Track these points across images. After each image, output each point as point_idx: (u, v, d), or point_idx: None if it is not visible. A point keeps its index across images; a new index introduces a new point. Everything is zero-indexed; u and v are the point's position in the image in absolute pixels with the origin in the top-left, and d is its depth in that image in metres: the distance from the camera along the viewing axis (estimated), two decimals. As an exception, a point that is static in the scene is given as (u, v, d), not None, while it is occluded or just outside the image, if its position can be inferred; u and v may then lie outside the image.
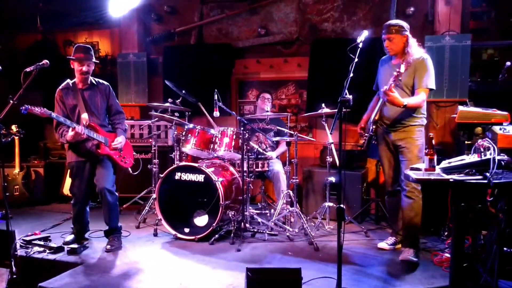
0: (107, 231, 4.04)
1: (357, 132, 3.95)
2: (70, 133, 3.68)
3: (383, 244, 3.93)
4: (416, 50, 3.53)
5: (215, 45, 6.10)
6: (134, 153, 4.36)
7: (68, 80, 3.98)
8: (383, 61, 3.84)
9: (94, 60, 3.95)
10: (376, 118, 3.65)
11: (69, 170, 5.67)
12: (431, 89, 3.51)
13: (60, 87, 3.95)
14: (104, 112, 4.04)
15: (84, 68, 3.84)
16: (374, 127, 3.69)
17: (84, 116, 3.84)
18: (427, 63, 3.50)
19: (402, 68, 3.27)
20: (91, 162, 3.95)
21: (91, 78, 3.98)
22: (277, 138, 4.73)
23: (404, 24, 3.55)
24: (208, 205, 4.11)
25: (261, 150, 4.66)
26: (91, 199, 4.30)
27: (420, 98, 3.46)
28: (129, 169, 4.31)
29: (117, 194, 4.00)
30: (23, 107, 3.40)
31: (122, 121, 4.14)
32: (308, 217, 4.64)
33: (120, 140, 3.97)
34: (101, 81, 4.08)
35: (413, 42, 3.55)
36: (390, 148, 3.71)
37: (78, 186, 3.99)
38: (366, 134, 3.76)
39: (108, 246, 3.89)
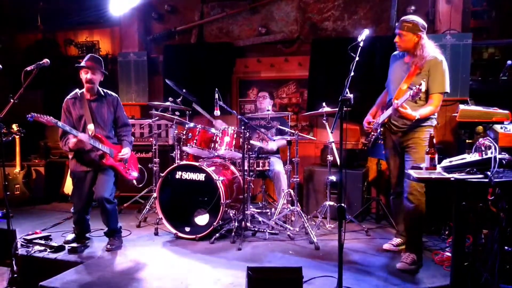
0: (107, 233, 4.03)
1: (364, 128, 3.84)
2: (73, 139, 3.67)
3: (388, 245, 3.89)
4: (429, 53, 3.37)
5: (216, 44, 6.10)
6: (135, 152, 4.35)
7: (77, 90, 3.97)
8: (395, 57, 3.68)
9: (102, 70, 3.92)
10: (385, 121, 3.57)
11: (69, 173, 5.73)
12: (446, 93, 3.40)
13: (68, 97, 3.94)
14: (110, 124, 4.02)
15: (89, 76, 3.82)
16: (382, 129, 3.63)
17: (90, 127, 3.84)
18: (442, 65, 3.37)
19: (423, 87, 3.12)
20: (94, 172, 3.93)
21: (100, 89, 3.97)
22: (278, 137, 4.73)
23: (420, 23, 3.38)
24: (209, 204, 4.11)
25: (262, 145, 4.66)
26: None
27: (434, 105, 3.34)
28: (134, 181, 4.30)
29: (115, 201, 3.95)
30: (29, 115, 3.40)
31: (128, 134, 4.14)
32: (309, 216, 4.64)
33: (126, 152, 3.98)
34: (109, 92, 4.07)
35: (428, 44, 3.40)
36: (396, 149, 3.63)
37: (79, 197, 3.97)
38: (373, 133, 3.71)
39: (109, 246, 3.90)
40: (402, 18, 3.45)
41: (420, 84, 3.11)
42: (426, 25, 3.42)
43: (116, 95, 4.10)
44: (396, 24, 3.47)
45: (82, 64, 3.86)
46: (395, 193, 3.80)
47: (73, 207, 4.05)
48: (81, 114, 3.88)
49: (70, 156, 3.98)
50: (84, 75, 3.85)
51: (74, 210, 4.03)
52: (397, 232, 3.98)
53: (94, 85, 3.89)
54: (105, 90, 4.04)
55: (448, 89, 3.39)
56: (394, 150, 3.66)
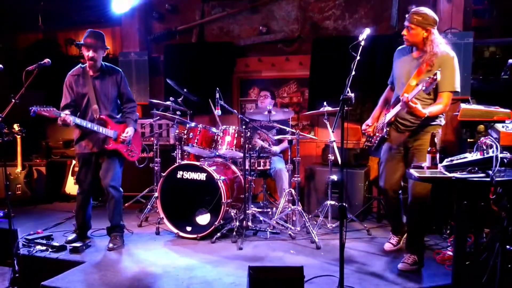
0: (110, 228, 4.05)
1: (361, 130, 3.70)
2: (60, 119, 3.64)
3: (388, 245, 3.87)
4: (440, 48, 3.17)
5: (217, 44, 6.10)
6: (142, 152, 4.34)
7: (80, 65, 3.95)
8: (401, 52, 3.48)
9: (104, 47, 3.90)
10: (392, 119, 3.38)
11: (71, 166, 5.75)
12: (456, 92, 3.23)
13: (71, 73, 3.92)
14: (114, 101, 4.00)
15: (91, 54, 3.80)
16: (388, 129, 3.44)
17: (95, 108, 3.84)
18: (454, 62, 3.18)
19: (439, 76, 2.87)
20: (99, 154, 3.94)
21: (103, 63, 3.95)
22: (279, 137, 4.73)
23: (431, 17, 3.16)
24: (210, 204, 4.11)
25: (265, 145, 4.68)
26: (93, 197, 4.29)
27: (443, 104, 3.17)
28: (136, 162, 4.31)
29: (121, 190, 4.01)
30: (32, 110, 3.38)
31: (133, 110, 4.10)
32: (310, 216, 4.64)
33: (129, 133, 3.95)
34: (113, 66, 4.04)
35: (439, 39, 3.19)
36: (400, 150, 3.45)
37: (85, 176, 3.98)
38: (378, 134, 3.56)
39: (111, 245, 3.90)
40: (412, 10, 3.24)
41: (435, 74, 2.88)
42: (437, 20, 3.22)
43: (120, 70, 4.06)
44: (406, 16, 3.27)
45: (83, 42, 3.83)
46: (391, 196, 3.64)
47: (79, 187, 4.05)
48: (85, 92, 3.86)
49: (75, 138, 3.96)
50: (86, 53, 3.82)
51: (80, 190, 4.03)
52: (393, 230, 3.94)
53: (96, 62, 3.86)
54: (108, 65, 4.01)
55: (458, 88, 3.22)
56: (397, 153, 3.47)
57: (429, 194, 3.32)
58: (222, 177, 4.16)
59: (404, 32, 3.28)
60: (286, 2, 5.78)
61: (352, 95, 2.76)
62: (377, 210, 4.99)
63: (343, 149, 2.86)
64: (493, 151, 2.46)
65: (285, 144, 4.97)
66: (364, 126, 3.71)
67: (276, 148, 4.95)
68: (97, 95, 3.87)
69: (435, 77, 2.89)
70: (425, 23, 3.16)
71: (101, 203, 5.43)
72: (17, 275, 3.27)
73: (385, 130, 3.46)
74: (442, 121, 3.35)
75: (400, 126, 3.41)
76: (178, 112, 4.91)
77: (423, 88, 2.95)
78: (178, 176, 4.25)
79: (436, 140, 2.89)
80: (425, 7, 3.29)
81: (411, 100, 3.04)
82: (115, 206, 3.96)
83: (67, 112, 3.68)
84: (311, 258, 3.67)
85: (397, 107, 3.26)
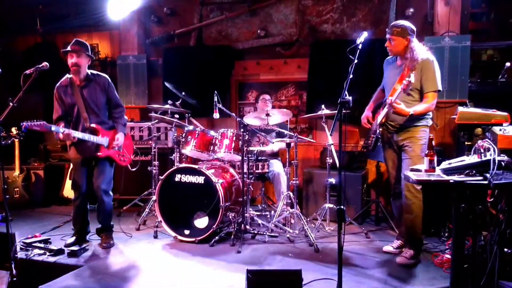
0: (100, 229, 4.13)
1: (362, 123, 3.88)
2: (61, 135, 3.72)
3: (388, 248, 3.89)
4: (419, 54, 3.47)
5: (215, 47, 6.11)
6: (135, 155, 4.36)
7: (67, 75, 3.96)
8: (388, 62, 3.82)
9: (88, 54, 3.92)
10: (383, 121, 3.63)
11: (69, 170, 5.76)
12: (439, 91, 3.50)
13: (58, 84, 3.94)
14: (104, 107, 4.02)
15: (74, 60, 3.83)
16: (380, 129, 3.68)
17: (85, 117, 3.86)
18: (433, 65, 3.47)
19: (412, 78, 3.25)
20: (91, 159, 4.00)
21: (88, 72, 3.96)
22: (278, 139, 4.73)
23: (409, 27, 3.50)
24: (208, 207, 4.10)
25: (261, 148, 4.70)
26: (90, 201, 4.29)
27: (429, 103, 3.45)
28: (128, 166, 4.36)
29: (111, 194, 4.09)
30: (23, 126, 3.41)
31: (122, 115, 4.14)
32: (308, 219, 4.64)
33: (120, 139, 4.00)
34: (98, 73, 4.06)
35: (417, 46, 3.50)
36: (394, 149, 3.70)
37: (80, 179, 4.02)
38: (373, 136, 3.72)
39: (104, 244, 4.02)
40: (391, 24, 3.65)
41: (409, 76, 3.26)
42: (415, 29, 3.53)
43: (106, 76, 4.08)
44: (387, 29, 3.58)
45: (68, 48, 3.86)
46: (395, 194, 3.82)
47: (75, 192, 4.08)
48: (73, 102, 3.89)
49: (68, 143, 4.00)
50: (70, 60, 3.86)
51: (76, 196, 4.06)
52: (398, 234, 3.97)
53: (79, 68, 3.86)
54: (94, 72, 4.03)
55: (440, 87, 3.49)
56: (392, 150, 3.73)
57: (420, 190, 3.49)
58: (220, 180, 4.16)
59: (387, 44, 3.59)
60: (284, 6, 5.79)
61: (350, 98, 2.79)
62: (375, 213, 4.99)
63: (341, 152, 2.87)
64: (490, 154, 2.47)
65: (282, 144, 4.89)
66: (365, 119, 3.87)
67: (273, 146, 4.93)
68: (86, 104, 3.90)
69: (409, 79, 3.27)
70: (404, 33, 3.49)
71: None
72: (14, 279, 3.27)
73: (378, 131, 3.68)
74: (428, 121, 3.58)
75: (390, 127, 3.66)
76: (176, 115, 4.90)
77: (402, 91, 3.35)
78: (176, 179, 4.25)
79: (424, 141, 3.29)
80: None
81: (395, 101, 3.35)
82: (106, 209, 4.05)
83: (61, 125, 3.76)
84: (310, 261, 3.67)
85: (386, 109, 3.53)
